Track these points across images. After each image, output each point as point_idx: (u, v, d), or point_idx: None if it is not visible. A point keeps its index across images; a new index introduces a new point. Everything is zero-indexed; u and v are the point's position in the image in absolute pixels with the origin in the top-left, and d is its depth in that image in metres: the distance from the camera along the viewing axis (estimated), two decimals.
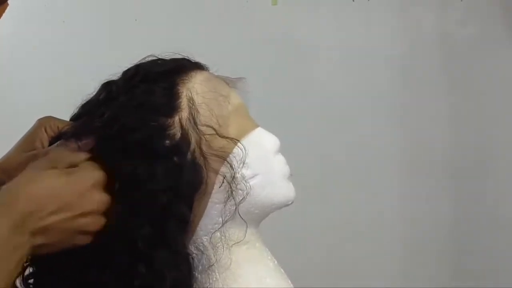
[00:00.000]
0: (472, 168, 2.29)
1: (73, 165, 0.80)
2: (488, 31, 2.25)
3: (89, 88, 0.92)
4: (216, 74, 0.93)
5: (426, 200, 2.29)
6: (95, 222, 0.78)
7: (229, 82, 0.93)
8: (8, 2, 0.92)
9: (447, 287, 2.28)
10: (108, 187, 0.80)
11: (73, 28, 2.01)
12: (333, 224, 2.20)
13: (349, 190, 2.22)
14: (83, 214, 0.77)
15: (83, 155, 0.81)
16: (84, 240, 0.78)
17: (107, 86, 0.90)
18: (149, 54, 0.93)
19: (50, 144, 0.88)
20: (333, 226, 2.20)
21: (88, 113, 0.88)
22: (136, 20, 2.05)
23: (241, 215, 0.87)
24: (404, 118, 2.27)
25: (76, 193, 0.76)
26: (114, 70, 0.92)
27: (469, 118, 2.28)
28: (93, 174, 0.79)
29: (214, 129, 0.86)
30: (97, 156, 0.82)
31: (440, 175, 2.30)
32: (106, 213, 0.79)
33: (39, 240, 0.74)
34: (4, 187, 0.75)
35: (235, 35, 2.11)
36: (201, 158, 0.84)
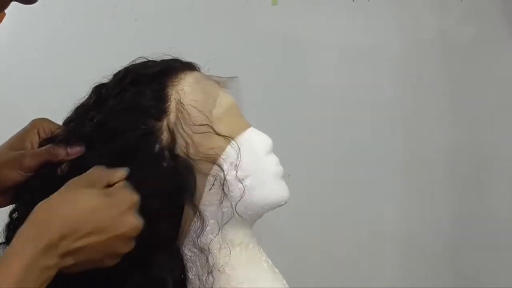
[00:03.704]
0: (472, 169, 2.29)
1: (110, 185, 0.79)
2: (488, 31, 2.25)
3: (89, 88, 0.92)
4: (208, 74, 0.93)
5: (426, 201, 2.29)
6: (126, 245, 0.78)
7: (220, 82, 0.92)
8: (6, 12, 0.92)
9: (447, 287, 2.28)
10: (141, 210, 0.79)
11: (73, 28, 2.00)
12: (332, 224, 2.20)
13: (349, 190, 2.22)
14: (117, 237, 0.76)
15: (120, 174, 0.80)
16: (112, 261, 0.78)
17: (97, 89, 0.90)
18: (149, 54, 0.93)
19: (40, 146, 0.88)
20: (333, 226, 2.20)
21: (80, 117, 0.88)
22: (136, 20, 2.04)
23: (234, 216, 0.87)
24: (403, 117, 2.27)
25: (113, 216, 0.76)
26: (114, 70, 0.92)
27: (469, 118, 2.28)
28: (129, 197, 0.78)
29: (211, 128, 0.86)
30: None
31: (440, 175, 2.29)
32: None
33: (68, 261, 0.74)
34: (38, 205, 0.74)
35: (235, 35, 2.11)
36: (190, 161, 0.84)
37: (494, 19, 2.24)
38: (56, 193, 0.76)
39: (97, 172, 0.80)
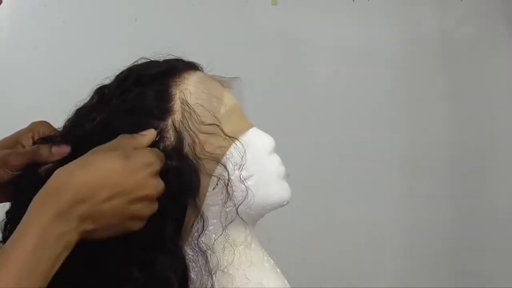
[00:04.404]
0: (472, 168, 2.29)
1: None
2: (488, 31, 2.25)
3: (89, 89, 0.92)
4: (210, 73, 0.93)
5: (426, 201, 2.29)
6: (149, 207, 0.77)
7: (223, 82, 0.92)
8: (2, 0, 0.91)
9: (447, 287, 2.28)
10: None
11: (73, 28, 2.00)
12: (333, 224, 2.20)
13: (349, 190, 2.22)
14: (137, 200, 0.75)
15: (148, 137, 0.80)
16: (136, 225, 0.77)
17: (100, 90, 0.89)
18: (149, 54, 0.93)
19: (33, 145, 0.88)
20: (333, 226, 2.20)
21: (81, 118, 0.88)
22: (136, 20, 2.04)
23: (237, 216, 0.86)
24: (403, 117, 2.27)
25: (133, 179, 0.75)
26: (114, 70, 0.92)
27: (469, 118, 2.28)
28: (150, 159, 0.77)
29: (219, 128, 0.86)
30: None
31: (440, 175, 2.29)
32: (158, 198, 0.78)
33: (89, 226, 0.73)
34: (56, 171, 0.74)
35: (235, 35, 2.11)
36: (195, 160, 0.84)
37: (494, 19, 2.24)
38: (76, 160, 0.75)
39: (123, 138, 0.79)
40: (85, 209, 0.72)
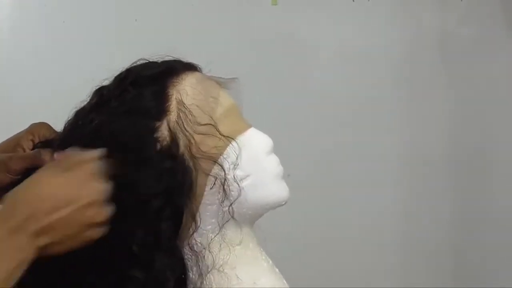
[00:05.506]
0: (472, 168, 2.29)
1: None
2: (488, 31, 2.25)
3: (89, 89, 0.92)
4: (208, 74, 0.93)
5: (426, 200, 2.29)
6: (100, 212, 0.77)
7: (221, 82, 0.92)
8: None
9: (447, 287, 2.28)
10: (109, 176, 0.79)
11: (73, 28, 2.00)
12: (332, 224, 2.20)
13: (349, 190, 2.21)
14: (85, 206, 0.76)
15: (91, 155, 0.80)
16: (95, 233, 0.78)
17: (98, 91, 0.90)
18: (149, 54, 0.93)
19: (33, 149, 0.88)
20: (333, 226, 2.20)
21: (80, 120, 0.88)
22: (136, 20, 2.04)
23: (234, 216, 0.87)
24: (404, 117, 2.27)
25: (75, 187, 0.76)
26: (114, 70, 0.92)
27: (469, 118, 2.28)
28: (90, 166, 0.78)
29: (214, 128, 0.86)
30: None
31: (440, 175, 2.29)
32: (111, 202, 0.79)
33: (45, 239, 0.74)
34: (7, 194, 0.77)
35: (235, 35, 2.11)
36: (191, 160, 0.84)
37: (494, 19, 2.24)
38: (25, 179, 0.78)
39: (66, 155, 0.81)
40: (35, 223, 0.74)
